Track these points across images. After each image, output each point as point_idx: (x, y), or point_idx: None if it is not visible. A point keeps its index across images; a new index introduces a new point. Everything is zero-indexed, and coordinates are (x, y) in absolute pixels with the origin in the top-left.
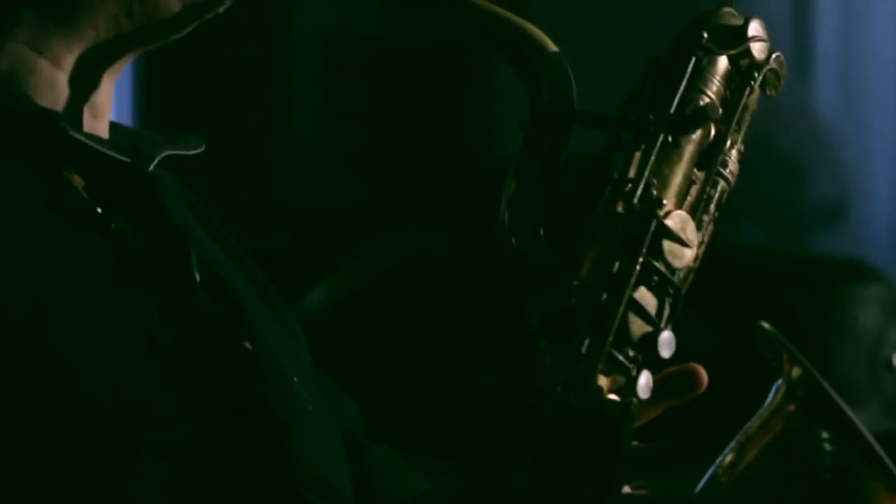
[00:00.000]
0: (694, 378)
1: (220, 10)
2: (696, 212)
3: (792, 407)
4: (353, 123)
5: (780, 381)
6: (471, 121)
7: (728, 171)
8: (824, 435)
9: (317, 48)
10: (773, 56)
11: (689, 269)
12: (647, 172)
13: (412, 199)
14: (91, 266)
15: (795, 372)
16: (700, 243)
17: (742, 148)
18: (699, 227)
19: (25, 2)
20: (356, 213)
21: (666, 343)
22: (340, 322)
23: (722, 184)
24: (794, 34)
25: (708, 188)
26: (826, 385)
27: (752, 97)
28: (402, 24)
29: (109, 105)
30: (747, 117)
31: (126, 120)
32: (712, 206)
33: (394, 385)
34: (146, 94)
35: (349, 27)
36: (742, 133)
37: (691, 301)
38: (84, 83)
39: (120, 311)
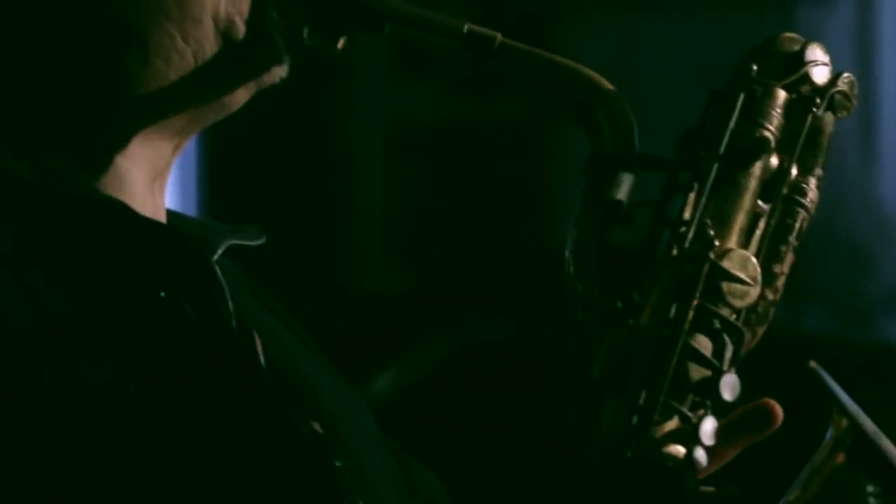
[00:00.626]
0: (769, 414)
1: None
2: (768, 245)
3: (840, 458)
4: (415, 208)
5: (830, 431)
6: (533, 205)
7: (808, 199)
8: (870, 488)
9: (378, 132)
10: (840, 78)
11: (769, 303)
12: (700, 213)
13: (476, 284)
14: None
15: (843, 422)
16: (779, 274)
17: (821, 173)
18: (776, 259)
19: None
20: (419, 299)
21: (729, 386)
22: (406, 409)
23: (802, 213)
24: (857, 115)
25: (777, 219)
26: (873, 436)
27: (824, 123)
28: (464, 107)
29: (164, 192)
30: (822, 142)
31: (190, 208)
32: (791, 237)
33: (458, 471)
34: (210, 181)
35: (410, 110)
36: (819, 159)
37: (753, 387)
38: (145, 169)
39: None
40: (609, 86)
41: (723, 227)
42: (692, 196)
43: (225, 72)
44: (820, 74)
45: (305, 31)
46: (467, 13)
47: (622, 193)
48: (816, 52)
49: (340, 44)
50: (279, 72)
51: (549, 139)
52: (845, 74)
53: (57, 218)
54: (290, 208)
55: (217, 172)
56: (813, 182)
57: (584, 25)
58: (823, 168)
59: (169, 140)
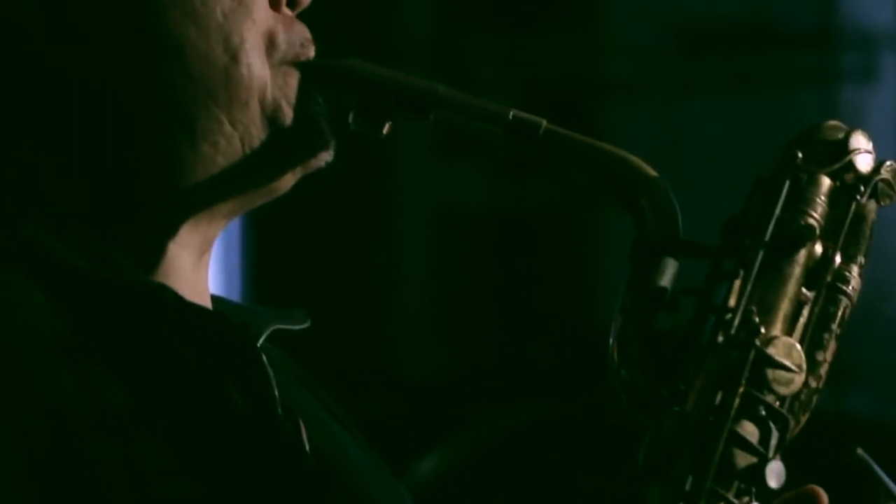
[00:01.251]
0: (814, 500)
1: (323, 162)
2: (811, 333)
3: None
4: (460, 291)
5: None
6: (577, 288)
7: (850, 287)
8: None
9: (424, 217)
10: (884, 166)
11: (812, 391)
12: (745, 300)
13: (520, 367)
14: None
15: None
16: (822, 362)
17: (863, 261)
18: (819, 347)
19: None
20: (464, 383)
21: (774, 473)
22: (450, 493)
23: (844, 301)
24: None
25: (821, 307)
26: None
27: (867, 210)
28: (509, 191)
29: (207, 274)
30: (865, 230)
31: (235, 290)
32: (833, 325)
33: None
34: (255, 265)
35: (456, 196)
36: (861, 246)
37: (798, 473)
38: (189, 252)
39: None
40: (653, 173)
41: (767, 315)
42: (737, 283)
43: (272, 157)
44: (864, 162)
45: (351, 116)
46: (510, 94)
47: (666, 280)
48: (860, 140)
49: (386, 129)
50: (325, 157)
51: (593, 222)
52: (889, 163)
53: (108, 306)
54: (335, 292)
55: (261, 256)
56: (856, 270)
57: (626, 108)
58: (866, 256)
59: (216, 223)
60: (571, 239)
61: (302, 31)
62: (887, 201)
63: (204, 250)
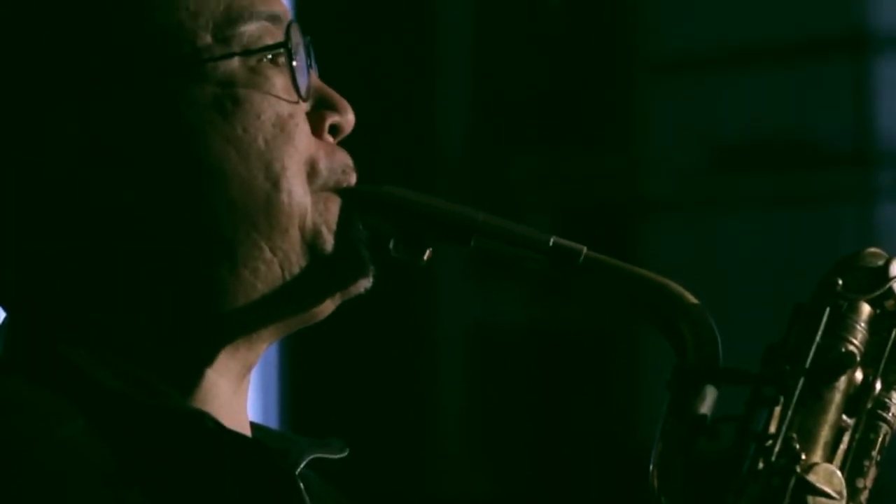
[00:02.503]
0: None
1: (363, 289)
2: (852, 460)
3: None
4: (499, 413)
5: None
6: (615, 410)
7: (890, 414)
8: None
9: (461, 338)
10: None
11: None
12: (786, 426)
13: (558, 488)
14: None
15: None
16: (863, 489)
17: None
18: (859, 473)
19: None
20: (502, 502)
21: None
22: None
23: (884, 428)
24: None
25: (862, 434)
26: None
27: None
28: (546, 313)
29: (246, 400)
30: None
31: (272, 419)
32: (874, 451)
33: None
34: (292, 386)
35: (492, 317)
36: None
37: None
38: (229, 378)
39: None
40: (694, 301)
41: (808, 441)
42: (777, 410)
43: (312, 284)
44: None
45: (392, 243)
46: (547, 215)
47: (706, 407)
48: None
49: (426, 256)
50: (364, 283)
51: (630, 342)
52: None
53: (147, 431)
54: (373, 414)
55: (299, 380)
56: (895, 397)
57: (665, 227)
58: None
59: (255, 349)
60: (609, 359)
61: (343, 159)
62: None
63: (243, 376)
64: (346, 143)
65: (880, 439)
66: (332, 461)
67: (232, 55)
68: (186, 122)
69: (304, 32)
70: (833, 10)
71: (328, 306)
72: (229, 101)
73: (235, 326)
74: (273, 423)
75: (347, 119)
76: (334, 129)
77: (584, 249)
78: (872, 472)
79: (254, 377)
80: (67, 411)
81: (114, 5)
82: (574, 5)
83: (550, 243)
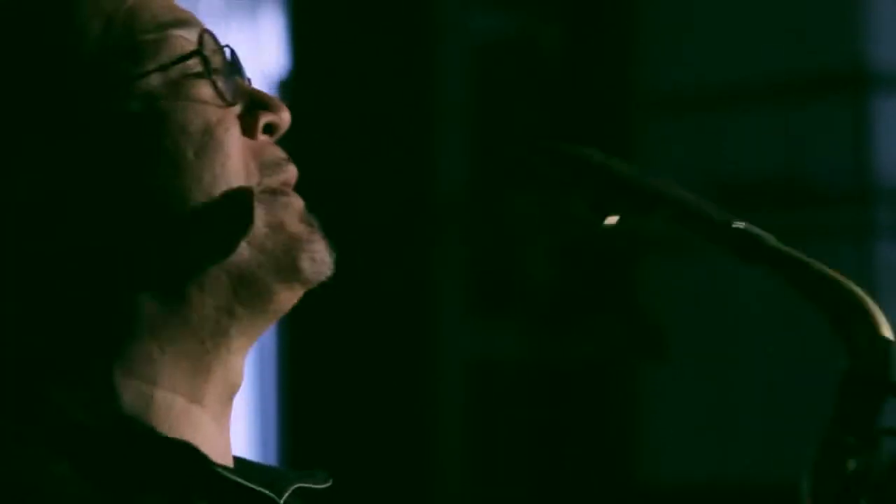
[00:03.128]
0: None
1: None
2: None
3: None
4: (498, 446)
5: None
6: (614, 444)
7: None
8: None
9: (461, 372)
10: None
11: None
12: None
13: None
14: None
15: None
16: None
17: None
18: None
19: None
20: None
21: None
22: None
23: None
24: None
25: None
26: None
27: None
28: (545, 348)
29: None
30: None
31: (271, 455)
32: None
33: None
34: (290, 426)
35: (493, 352)
36: None
37: None
38: (205, 401)
39: None
40: (877, 311)
41: None
42: None
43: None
44: None
45: (589, 203)
46: (548, 253)
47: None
48: None
49: (611, 220)
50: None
51: (631, 376)
52: None
53: (133, 468)
54: (374, 447)
55: (297, 414)
56: None
57: (666, 265)
58: None
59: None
60: (608, 395)
61: (273, 152)
62: None
63: (225, 402)
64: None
65: None
66: (321, 493)
67: (147, 73)
68: (117, 148)
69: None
70: (832, 48)
71: (288, 297)
72: (154, 118)
73: (194, 345)
74: (272, 458)
75: (282, 116)
76: (269, 128)
77: (772, 238)
78: None
79: (251, 410)
80: (50, 453)
81: (23, 50)
82: (573, 46)
83: (741, 226)
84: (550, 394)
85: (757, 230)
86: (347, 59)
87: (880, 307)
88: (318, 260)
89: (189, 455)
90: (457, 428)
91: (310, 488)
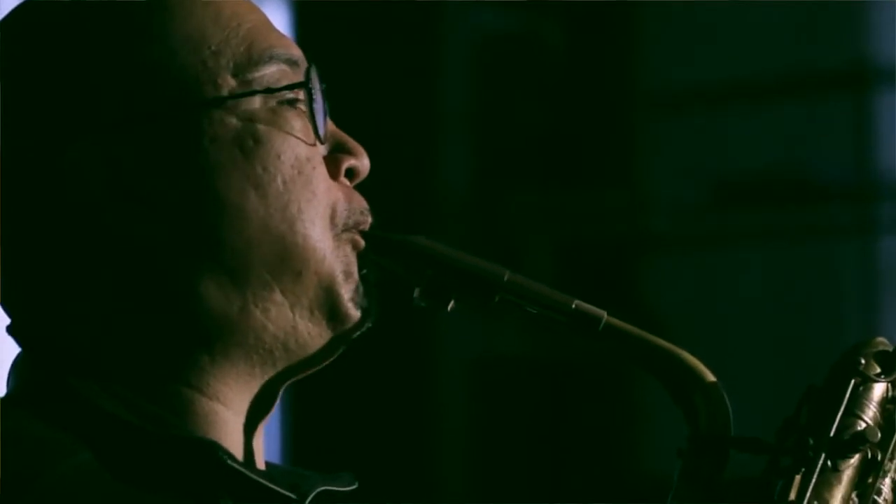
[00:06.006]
0: None
1: (364, 329)
2: None
3: None
4: (501, 443)
5: None
6: (617, 439)
7: (882, 498)
8: None
9: (464, 369)
10: None
11: None
12: (808, 496)
13: None
14: None
15: None
16: None
17: (895, 476)
18: None
19: (181, 340)
20: None
21: None
22: None
23: None
24: None
25: None
26: None
27: None
28: (547, 344)
29: (261, 440)
30: None
31: (274, 455)
32: None
33: None
34: (294, 423)
35: (495, 348)
36: (895, 462)
37: None
38: (242, 417)
39: None
40: (710, 376)
41: None
42: (798, 478)
43: (322, 332)
44: None
45: (417, 292)
46: (550, 250)
47: (718, 473)
48: None
49: (450, 307)
50: (366, 326)
51: (632, 371)
52: None
53: (157, 463)
54: (377, 445)
55: (300, 413)
56: (888, 483)
57: (666, 262)
58: None
59: (269, 391)
60: (610, 390)
61: (361, 202)
62: None
63: (259, 417)
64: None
65: None
66: (341, 494)
67: (254, 93)
68: (208, 158)
69: (321, 79)
70: (834, 45)
71: (335, 354)
72: (251, 138)
73: (244, 365)
74: (275, 456)
75: (363, 163)
76: (350, 173)
77: (605, 316)
78: None
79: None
80: (72, 444)
81: (139, 45)
82: (575, 44)
83: (573, 307)
84: (552, 389)
85: (592, 309)
86: (350, 56)
87: (882, 303)
88: (369, 322)
89: (216, 454)
90: (460, 423)
91: (335, 491)
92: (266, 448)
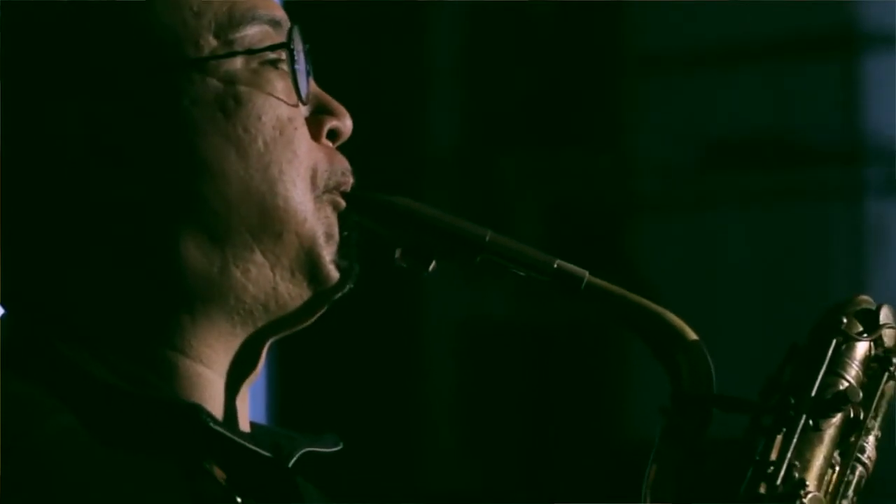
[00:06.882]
0: None
1: (345, 290)
2: (835, 496)
3: None
4: (488, 405)
5: None
6: (604, 402)
7: (866, 456)
8: None
9: (450, 331)
10: None
11: None
12: (789, 455)
13: (548, 480)
14: None
15: None
16: None
17: (879, 434)
18: None
19: (162, 301)
20: (491, 498)
21: None
22: None
23: (860, 469)
24: None
25: (847, 472)
26: None
27: (890, 384)
28: (536, 307)
29: (246, 401)
30: (884, 404)
31: (260, 416)
32: (850, 491)
33: None
34: (281, 384)
35: (483, 310)
36: (879, 420)
37: None
38: (225, 378)
39: None
40: (692, 335)
41: (804, 471)
42: (779, 438)
43: (303, 293)
44: (889, 336)
45: (398, 253)
46: (537, 212)
47: (701, 432)
48: (888, 314)
49: (431, 268)
50: (348, 286)
51: (620, 334)
52: None
53: (141, 424)
54: (362, 408)
55: (286, 374)
56: (872, 441)
57: (653, 224)
58: (881, 430)
59: (253, 350)
60: (598, 353)
61: (342, 163)
62: None
63: (243, 378)
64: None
65: (855, 480)
66: (324, 456)
67: (235, 54)
68: (188, 119)
69: (304, 40)
70: (823, 7)
71: (316, 314)
72: (232, 99)
73: (226, 325)
74: (261, 418)
75: (346, 124)
76: (332, 134)
77: (587, 275)
78: None
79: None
80: (56, 406)
81: (121, 4)
82: (564, 4)
83: (555, 266)
84: (540, 352)
85: (574, 269)
86: (336, 16)
87: (870, 266)
88: (351, 281)
89: (199, 417)
90: (446, 385)
91: (319, 452)
92: (252, 409)
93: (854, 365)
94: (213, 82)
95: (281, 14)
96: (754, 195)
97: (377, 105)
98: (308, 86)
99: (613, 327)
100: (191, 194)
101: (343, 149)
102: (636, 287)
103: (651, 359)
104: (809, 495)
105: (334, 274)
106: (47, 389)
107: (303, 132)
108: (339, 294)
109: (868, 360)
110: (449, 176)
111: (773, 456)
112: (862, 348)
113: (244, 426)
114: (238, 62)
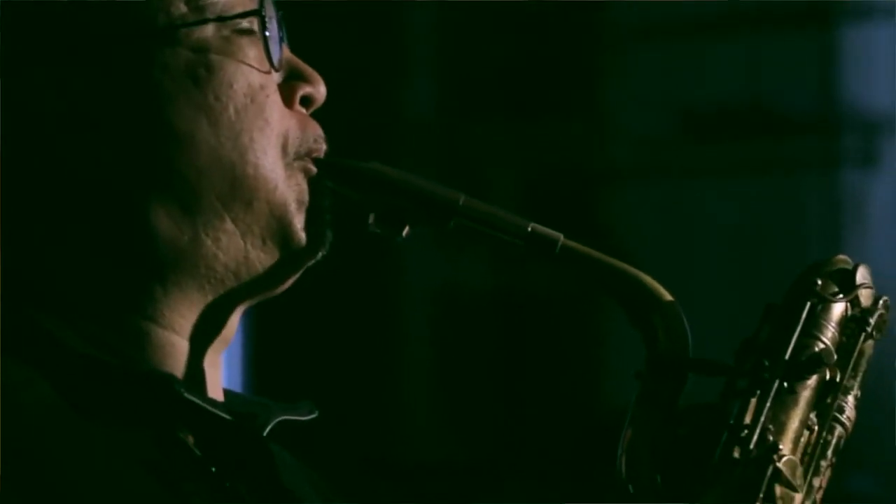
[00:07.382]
0: None
1: (318, 257)
2: (812, 457)
3: None
4: (464, 375)
5: None
6: (581, 371)
7: (845, 416)
8: None
9: (427, 300)
10: (881, 301)
11: None
12: (762, 418)
13: (523, 452)
14: None
15: None
16: (818, 488)
17: (858, 394)
18: (816, 473)
19: (134, 270)
20: (469, 467)
21: None
22: None
23: (839, 429)
24: None
25: (824, 434)
26: None
27: (868, 343)
28: (513, 276)
29: (219, 369)
30: (863, 363)
31: (236, 385)
32: (829, 452)
33: None
34: (256, 351)
35: (459, 279)
36: (858, 379)
37: None
38: (198, 346)
39: None
40: (668, 296)
41: (779, 434)
42: (753, 401)
43: (275, 260)
44: (866, 296)
45: (371, 218)
46: (514, 180)
47: (677, 396)
48: (865, 275)
49: (405, 233)
50: (321, 253)
51: (599, 305)
52: (884, 298)
53: (116, 394)
54: (337, 376)
55: (261, 342)
56: (851, 401)
57: (630, 194)
58: (860, 388)
59: (224, 319)
60: (575, 323)
61: (315, 129)
62: (879, 335)
63: (217, 348)
64: (314, 112)
65: (834, 441)
66: (300, 424)
67: (206, 21)
68: (159, 88)
69: (276, 6)
70: None
71: (288, 281)
72: (202, 67)
73: (197, 294)
74: (237, 386)
75: (319, 90)
76: (306, 101)
77: (561, 238)
78: (828, 474)
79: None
80: (32, 376)
81: None
82: None
83: (529, 229)
84: (516, 320)
85: (548, 232)
86: None
87: (845, 235)
88: (323, 248)
89: (173, 387)
90: (422, 352)
91: (294, 420)
92: (227, 377)
93: (830, 326)
94: (184, 51)
95: None
96: (731, 165)
97: (354, 73)
98: (281, 52)
99: (590, 294)
100: (161, 163)
101: (319, 116)
102: (613, 255)
103: (628, 326)
104: (784, 458)
105: (306, 241)
106: (23, 360)
107: (274, 99)
108: (312, 261)
109: (845, 321)
110: (426, 144)
111: (748, 419)
112: (838, 309)
113: (217, 394)
114: (209, 30)
